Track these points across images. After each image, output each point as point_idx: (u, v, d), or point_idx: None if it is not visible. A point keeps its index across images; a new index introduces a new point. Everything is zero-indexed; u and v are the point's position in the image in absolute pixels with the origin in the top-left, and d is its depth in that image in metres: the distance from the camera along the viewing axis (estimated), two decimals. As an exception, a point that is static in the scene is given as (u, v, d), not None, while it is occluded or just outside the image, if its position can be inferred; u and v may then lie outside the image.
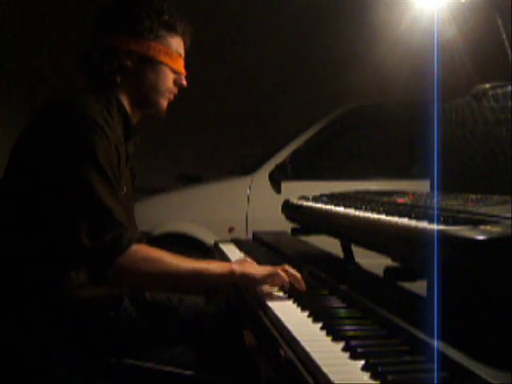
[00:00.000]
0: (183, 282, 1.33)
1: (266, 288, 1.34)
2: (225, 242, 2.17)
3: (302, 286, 1.30)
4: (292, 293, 1.31)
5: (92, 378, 1.27)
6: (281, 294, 1.33)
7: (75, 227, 1.22)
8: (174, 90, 1.52)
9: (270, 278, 1.31)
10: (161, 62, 1.46)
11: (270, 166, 3.87)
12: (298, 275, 1.31)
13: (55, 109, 1.35)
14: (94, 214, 1.24)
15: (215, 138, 5.80)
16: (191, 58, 1.58)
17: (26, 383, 1.28)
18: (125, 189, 1.43)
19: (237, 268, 1.31)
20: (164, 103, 1.51)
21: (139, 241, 1.28)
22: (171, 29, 1.49)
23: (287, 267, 1.32)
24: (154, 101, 1.49)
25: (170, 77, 1.49)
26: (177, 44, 1.51)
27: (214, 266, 1.32)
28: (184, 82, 1.53)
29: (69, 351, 1.26)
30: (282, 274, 1.30)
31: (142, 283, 1.36)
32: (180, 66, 1.52)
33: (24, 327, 1.27)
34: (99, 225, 1.23)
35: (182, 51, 1.53)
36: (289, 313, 1.17)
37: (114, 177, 1.31)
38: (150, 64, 1.45)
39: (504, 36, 1.74)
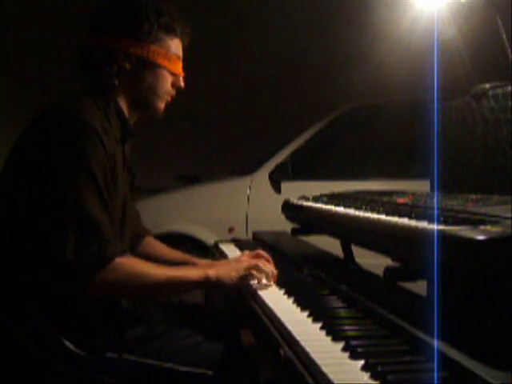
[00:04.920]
0: (161, 292, 1.45)
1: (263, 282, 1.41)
2: (225, 241, 2.17)
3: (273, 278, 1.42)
4: (292, 292, 1.31)
5: (92, 373, 1.28)
6: (281, 292, 1.33)
7: (60, 238, 1.21)
8: (172, 91, 1.52)
9: (247, 277, 1.39)
10: (159, 65, 1.45)
11: (269, 165, 3.86)
12: (274, 272, 1.42)
13: (54, 114, 1.34)
14: (81, 226, 1.23)
15: (215, 138, 5.79)
16: (191, 58, 1.57)
17: (27, 378, 1.28)
18: (122, 192, 1.43)
19: (211, 273, 1.35)
20: (162, 105, 1.51)
21: (123, 253, 1.28)
22: (170, 31, 1.48)
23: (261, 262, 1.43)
24: (152, 103, 1.49)
25: (169, 79, 1.49)
26: (175, 46, 1.50)
27: (191, 274, 1.36)
28: (182, 84, 1.53)
29: (69, 346, 1.27)
30: (260, 265, 1.40)
31: (121, 295, 1.42)
32: (178, 68, 1.51)
33: (25, 322, 1.27)
34: (85, 239, 1.22)
35: (180, 53, 1.52)
36: (289, 313, 1.17)
37: (106, 186, 1.31)
38: (149, 67, 1.45)
39: (504, 36, 1.74)
